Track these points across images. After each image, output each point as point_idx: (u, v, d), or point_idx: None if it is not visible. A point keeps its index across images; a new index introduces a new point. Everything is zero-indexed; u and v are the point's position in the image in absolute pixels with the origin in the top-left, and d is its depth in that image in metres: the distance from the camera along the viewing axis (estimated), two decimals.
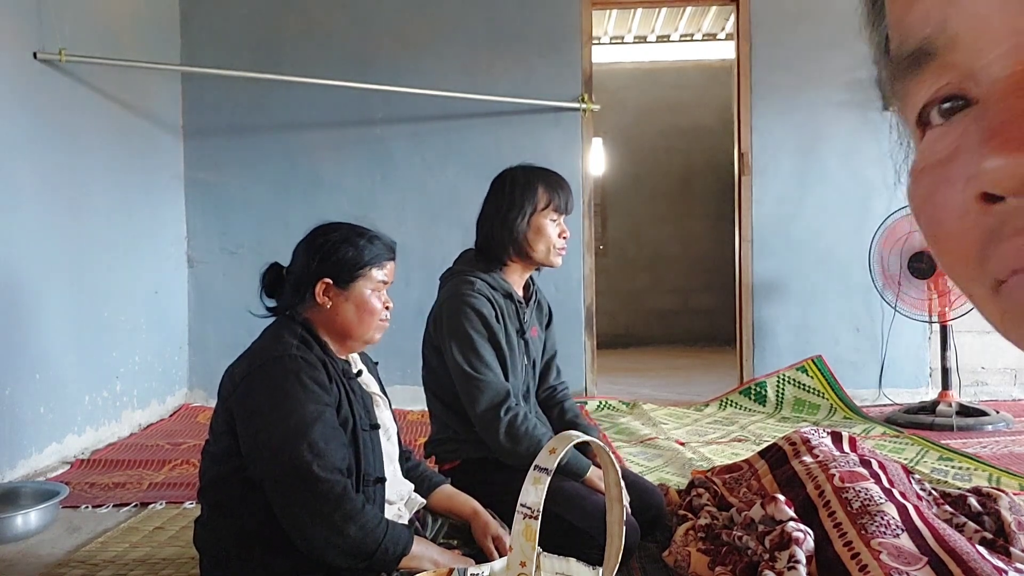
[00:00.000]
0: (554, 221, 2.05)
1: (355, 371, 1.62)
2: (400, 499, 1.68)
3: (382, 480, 1.54)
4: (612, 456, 1.29)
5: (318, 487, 1.39)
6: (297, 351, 1.49)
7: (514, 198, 2.05)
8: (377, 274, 1.59)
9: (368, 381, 1.69)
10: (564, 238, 2.08)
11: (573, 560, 1.38)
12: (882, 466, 1.98)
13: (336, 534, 1.39)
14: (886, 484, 1.86)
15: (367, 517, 1.41)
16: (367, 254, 1.58)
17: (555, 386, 2.28)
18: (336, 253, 1.56)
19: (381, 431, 1.62)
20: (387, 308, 1.62)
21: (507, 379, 2.01)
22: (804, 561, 1.63)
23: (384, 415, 1.68)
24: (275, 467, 1.42)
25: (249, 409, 1.46)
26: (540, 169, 2.10)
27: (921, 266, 3.64)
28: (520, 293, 2.13)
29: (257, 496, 1.45)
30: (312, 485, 1.39)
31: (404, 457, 1.78)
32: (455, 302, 2.00)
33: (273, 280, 1.63)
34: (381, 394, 1.72)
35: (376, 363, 1.81)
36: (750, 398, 4.13)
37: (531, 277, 2.20)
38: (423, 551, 1.50)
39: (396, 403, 1.83)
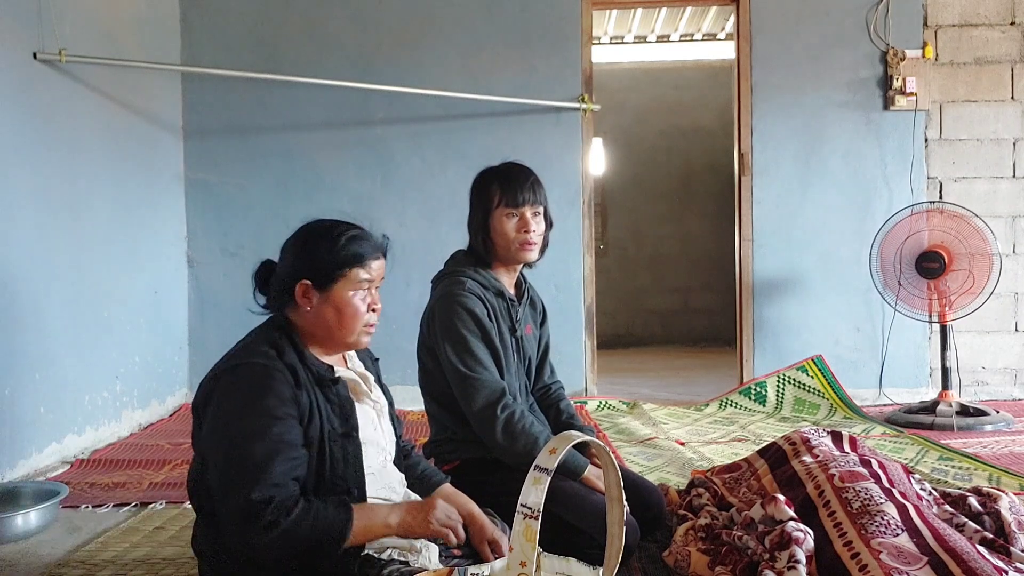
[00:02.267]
0: (512, 216, 2.03)
1: (335, 375, 1.56)
2: (395, 493, 1.65)
3: (350, 492, 1.49)
4: (612, 456, 1.29)
5: (241, 504, 1.34)
6: (263, 359, 1.45)
7: (473, 201, 2.09)
8: (359, 274, 1.51)
9: (356, 379, 1.64)
10: (526, 232, 2.03)
11: (573, 560, 1.38)
12: (882, 466, 1.98)
13: (254, 550, 1.35)
14: (886, 484, 1.86)
15: (282, 529, 1.33)
16: (346, 253, 1.50)
17: (549, 385, 2.28)
18: (315, 253, 1.50)
19: (368, 424, 1.59)
20: (373, 310, 1.54)
21: (502, 377, 2.01)
22: (804, 561, 1.63)
23: (373, 407, 1.65)
24: (216, 475, 1.41)
25: (206, 418, 1.46)
26: (501, 166, 2.10)
27: (932, 265, 3.63)
28: (512, 291, 2.13)
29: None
30: (237, 501, 1.34)
31: (404, 454, 1.77)
32: (447, 303, 2.00)
33: (264, 278, 1.60)
34: (374, 385, 1.69)
35: (376, 359, 1.80)
36: (750, 398, 4.13)
37: (522, 275, 2.19)
38: (369, 518, 1.43)
39: (396, 403, 1.82)
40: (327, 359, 1.59)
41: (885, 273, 3.77)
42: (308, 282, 1.50)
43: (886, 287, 3.79)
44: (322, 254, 1.50)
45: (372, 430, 1.61)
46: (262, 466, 1.35)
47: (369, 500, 1.53)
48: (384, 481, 1.62)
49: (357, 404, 1.60)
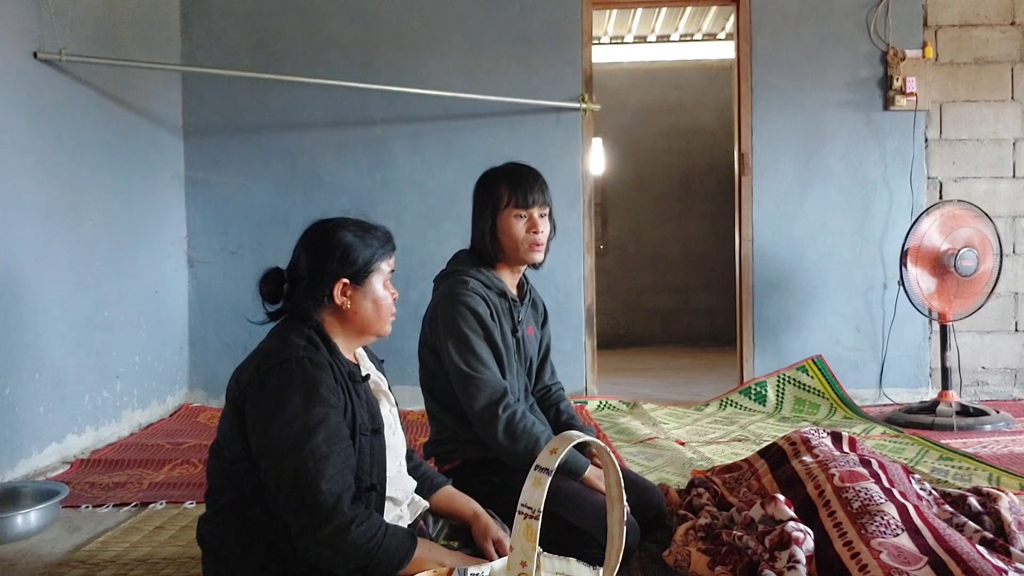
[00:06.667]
0: (520, 217, 2.03)
1: (363, 374, 1.61)
2: (406, 498, 1.68)
3: (373, 488, 1.53)
4: (612, 456, 1.29)
5: (313, 499, 1.38)
6: (304, 352, 1.49)
7: (479, 202, 2.09)
8: (386, 266, 1.62)
9: (379, 380, 1.70)
10: (535, 232, 2.04)
11: (573, 560, 1.38)
12: (882, 466, 1.98)
13: (325, 547, 1.40)
14: (886, 484, 1.86)
15: (359, 531, 1.39)
16: (377, 248, 1.60)
17: (550, 386, 2.28)
18: (351, 253, 1.57)
19: (387, 427, 1.62)
20: (394, 298, 1.65)
21: (504, 377, 2.01)
22: (804, 561, 1.63)
23: (391, 412, 1.68)
24: (278, 474, 1.43)
25: (255, 414, 1.46)
26: (507, 166, 2.10)
27: (967, 263, 3.60)
28: (514, 292, 2.13)
29: (268, 496, 1.46)
30: (307, 496, 1.39)
31: (407, 456, 1.78)
32: (450, 302, 2.00)
33: (276, 286, 1.61)
34: (388, 391, 1.72)
35: (382, 360, 1.81)
36: (750, 398, 4.13)
37: (525, 276, 2.20)
38: (427, 554, 1.49)
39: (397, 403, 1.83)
40: (348, 357, 1.63)
41: (916, 270, 3.71)
42: (347, 281, 1.56)
43: (919, 286, 3.73)
44: (357, 252, 1.57)
45: (391, 434, 1.63)
46: (326, 455, 1.41)
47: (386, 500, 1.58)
48: (400, 484, 1.64)
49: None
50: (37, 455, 2.99)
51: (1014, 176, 4.29)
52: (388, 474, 1.59)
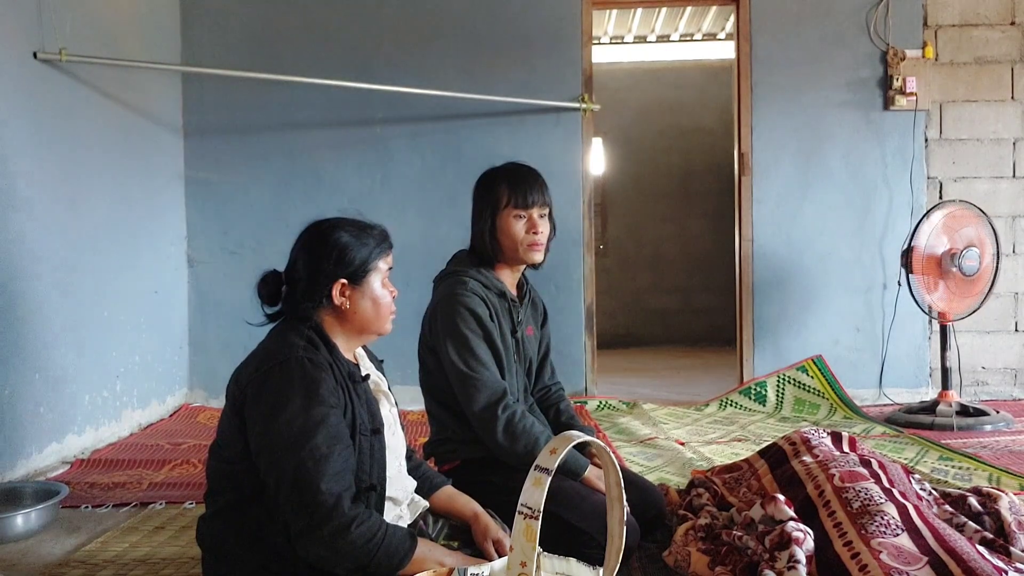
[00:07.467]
0: (520, 217, 2.04)
1: (363, 374, 1.61)
2: (406, 498, 1.68)
3: (373, 488, 1.53)
4: (612, 456, 1.29)
5: (312, 499, 1.39)
6: (304, 352, 1.49)
7: (479, 202, 2.09)
8: (384, 264, 1.62)
9: (378, 380, 1.70)
10: (534, 233, 2.04)
11: (573, 560, 1.38)
12: (882, 466, 1.98)
13: (324, 547, 1.40)
14: (886, 484, 1.86)
15: (359, 532, 1.39)
16: (373, 247, 1.60)
17: (550, 386, 2.29)
18: (348, 253, 1.56)
19: (387, 428, 1.62)
20: (393, 296, 1.64)
21: (503, 378, 2.02)
22: (804, 561, 1.63)
23: (390, 412, 1.68)
24: (277, 474, 1.43)
25: (255, 414, 1.46)
26: (507, 166, 2.10)
27: (971, 263, 3.60)
28: (513, 292, 2.13)
29: (268, 496, 1.47)
30: (306, 497, 1.39)
31: (407, 456, 1.78)
32: (449, 302, 2.00)
33: (275, 288, 1.61)
34: (388, 391, 1.72)
35: (382, 360, 1.81)
36: (750, 398, 4.13)
37: (524, 276, 2.20)
38: (427, 554, 1.49)
39: (397, 403, 1.83)
40: (348, 357, 1.63)
41: (923, 269, 3.70)
42: (344, 281, 1.56)
43: (924, 283, 3.72)
44: (354, 252, 1.57)
45: (391, 435, 1.63)
46: (325, 455, 1.41)
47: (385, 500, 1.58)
48: (400, 484, 1.64)
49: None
50: (37, 455, 2.99)
51: (1014, 176, 4.29)
52: (388, 474, 1.59)
